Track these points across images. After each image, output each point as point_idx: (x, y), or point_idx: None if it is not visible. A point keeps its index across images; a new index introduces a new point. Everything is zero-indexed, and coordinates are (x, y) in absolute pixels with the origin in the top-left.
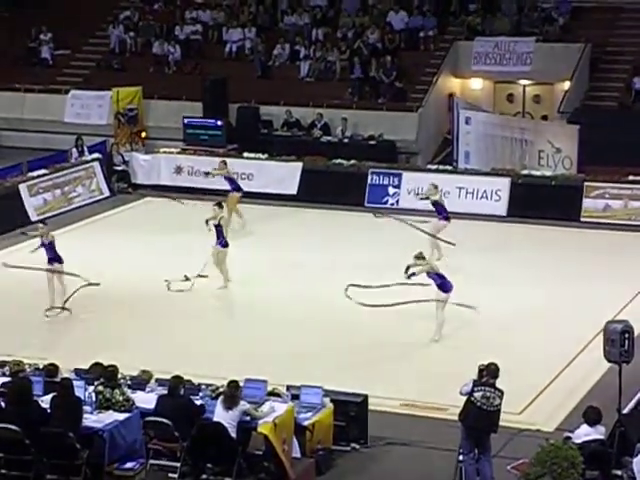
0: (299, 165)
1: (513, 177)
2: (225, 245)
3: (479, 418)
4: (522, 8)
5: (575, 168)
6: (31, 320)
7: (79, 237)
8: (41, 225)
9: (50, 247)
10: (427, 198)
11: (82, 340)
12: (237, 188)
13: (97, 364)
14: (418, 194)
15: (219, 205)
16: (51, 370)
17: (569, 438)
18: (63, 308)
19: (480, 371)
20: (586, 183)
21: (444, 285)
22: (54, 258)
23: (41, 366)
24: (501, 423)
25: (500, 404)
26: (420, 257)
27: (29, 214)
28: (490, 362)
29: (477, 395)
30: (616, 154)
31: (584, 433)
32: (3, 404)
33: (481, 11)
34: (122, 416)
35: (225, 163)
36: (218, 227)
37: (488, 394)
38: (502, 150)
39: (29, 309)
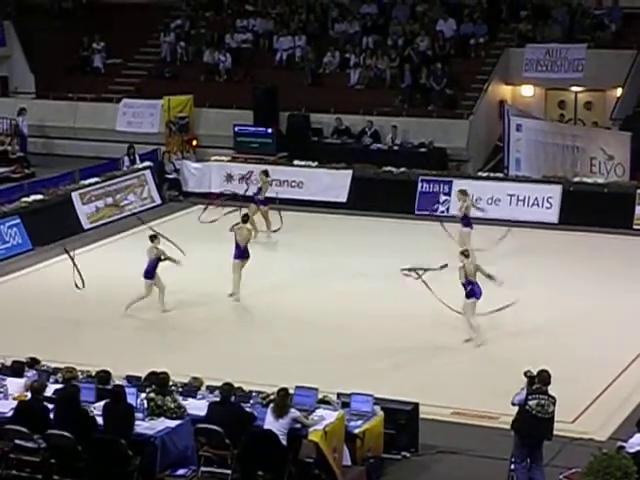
0: (349, 173)
1: (565, 184)
2: (237, 257)
3: (535, 426)
4: (573, 14)
5: (628, 175)
6: (78, 326)
7: (130, 245)
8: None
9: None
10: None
11: (132, 347)
12: (258, 201)
13: (152, 373)
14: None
15: (245, 217)
16: (103, 377)
17: (622, 447)
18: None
19: (530, 378)
20: (639, 190)
21: (472, 291)
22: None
23: (93, 373)
24: (554, 432)
25: (554, 411)
26: (464, 254)
27: (81, 222)
28: (541, 369)
29: (532, 403)
30: None
31: (638, 442)
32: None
33: (532, 18)
34: (174, 423)
35: (267, 174)
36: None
37: (543, 402)
38: (553, 157)
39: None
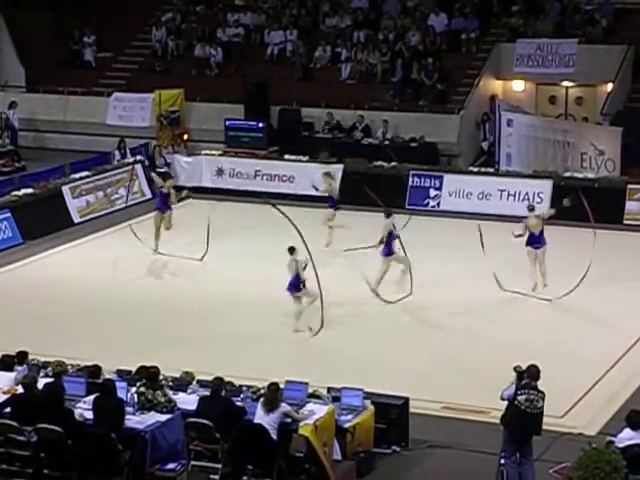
0: (340, 167)
1: (555, 179)
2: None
3: (523, 421)
4: (564, 10)
5: (618, 170)
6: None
7: (121, 239)
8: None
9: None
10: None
11: (124, 341)
12: (164, 209)
13: (143, 367)
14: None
15: (388, 214)
16: (94, 371)
17: (612, 442)
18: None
19: (519, 373)
20: (629, 185)
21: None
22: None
23: (83, 366)
24: (543, 426)
25: (543, 406)
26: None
27: (72, 216)
28: (530, 364)
29: (521, 398)
30: None
31: (627, 437)
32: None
33: (523, 12)
34: (164, 417)
35: (171, 176)
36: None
37: (532, 397)
38: (544, 152)
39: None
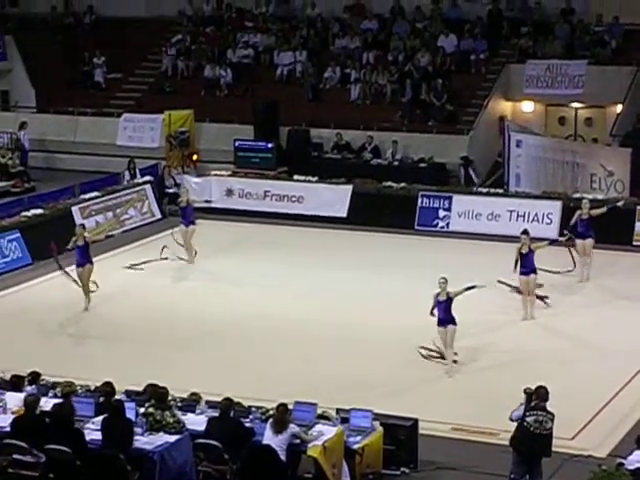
0: (349, 188)
1: (565, 200)
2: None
3: (533, 443)
4: (574, 31)
5: (628, 191)
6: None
7: (130, 259)
8: None
9: None
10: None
11: (128, 362)
12: (85, 263)
13: (151, 385)
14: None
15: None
16: (108, 391)
17: (622, 464)
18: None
19: (529, 395)
20: (639, 207)
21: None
22: None
23: (92, 387)
24: (553, 448)
25: (552, 427)
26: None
27: None
28: (539, 385)
29: (530, 420)
30: None
31: (637, 459)
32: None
33: (533, 34)
34: (172, 438)
35: (84, 227)
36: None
37: (541, 418)
38: (553, 173)
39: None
